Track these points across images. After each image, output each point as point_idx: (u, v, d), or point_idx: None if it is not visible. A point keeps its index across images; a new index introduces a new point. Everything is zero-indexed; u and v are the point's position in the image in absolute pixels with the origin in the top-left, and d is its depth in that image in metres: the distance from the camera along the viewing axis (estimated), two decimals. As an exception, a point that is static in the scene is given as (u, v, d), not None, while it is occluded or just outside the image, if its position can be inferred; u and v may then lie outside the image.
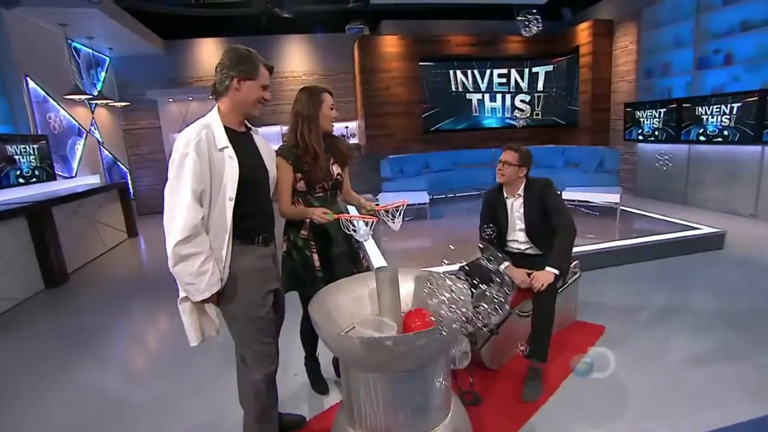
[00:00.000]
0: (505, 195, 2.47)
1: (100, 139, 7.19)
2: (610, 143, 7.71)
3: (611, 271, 3.79)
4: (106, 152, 7.43)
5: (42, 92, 5.65)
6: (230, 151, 1.51)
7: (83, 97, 6.15)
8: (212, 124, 1.52)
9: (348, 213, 1.94)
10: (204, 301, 1.50)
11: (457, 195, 7.48)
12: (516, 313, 2.41)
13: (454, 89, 8.24)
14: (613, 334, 2.68)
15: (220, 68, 1.53)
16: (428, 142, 8.18)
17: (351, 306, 1.70)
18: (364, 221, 1.85)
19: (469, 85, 8.29)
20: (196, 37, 8.02)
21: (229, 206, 1.50)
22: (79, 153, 6.46)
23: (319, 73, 8.53)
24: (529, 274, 2.28)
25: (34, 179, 4.95)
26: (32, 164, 4.94)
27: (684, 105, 5.92)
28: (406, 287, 1.76)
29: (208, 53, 8.09)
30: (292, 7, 6.07)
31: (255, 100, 1.57)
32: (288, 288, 1.96)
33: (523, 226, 2.44)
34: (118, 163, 7.86)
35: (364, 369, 1.42)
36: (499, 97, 8.44)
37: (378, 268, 1.56)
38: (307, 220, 1.91)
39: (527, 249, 2.48)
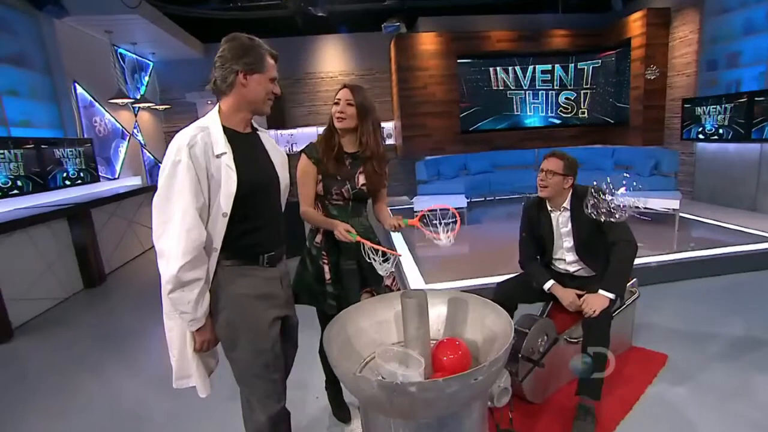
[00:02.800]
0: (549, 208, 2.18)
1: (142, 142, 7.41)
2: (664, 143, 7.09)
3: (671, 287, 3.39)
4: (148, 154, 7.65)
5: (89, 97, 5.85)
6: (228, 159, 1.29)
7: (127, 101, 6.33)
8: (210, 126, 1.32)
9: (376, 235, 1.76)
10: (198, 331, 1.36)
11: (497, 198, 7.13)
12: (564, 339, 2.13)
13: (494, 87, 7.88)
14: (678, 364, 2.33)
15: (221, 62, 1.33)
16: (466, 142, 7.85)
17: (374, 331, 1.51)
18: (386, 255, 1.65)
19: (510, 82, 7.89)
20: (233, 40, 8.11)
21: (223, 223, 1.30)
22: (122, 155, 6.67)
23: (355, 73, 8.41)
24: (579, 296, 2.01)
25: (79, 181, 5.12)
26: (78, 167, 5.11)
27: (757, 99, 5.30)
28: (437, 310, 1.55)
29: (245, 55, 8.15)
30: (326, 5, 5.96)
31: (265, 95, 1.37)
32: (303, 301, 1.79)
33: (570, 244, 2.14)
34: (159, 164, 8.07)
35: (384, 414, 1.23)
36: (542, 94, 8.00)
37: (404, 292, 1.35)
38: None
39: (577, 270, 2.18)
